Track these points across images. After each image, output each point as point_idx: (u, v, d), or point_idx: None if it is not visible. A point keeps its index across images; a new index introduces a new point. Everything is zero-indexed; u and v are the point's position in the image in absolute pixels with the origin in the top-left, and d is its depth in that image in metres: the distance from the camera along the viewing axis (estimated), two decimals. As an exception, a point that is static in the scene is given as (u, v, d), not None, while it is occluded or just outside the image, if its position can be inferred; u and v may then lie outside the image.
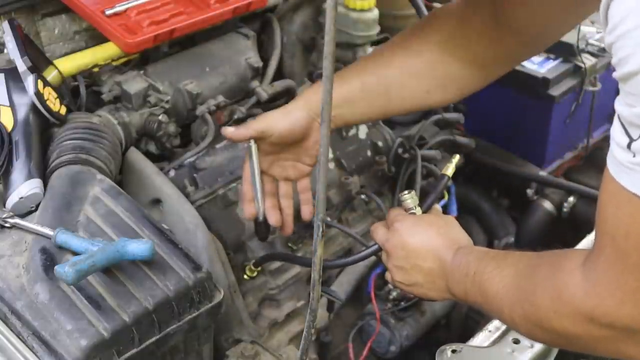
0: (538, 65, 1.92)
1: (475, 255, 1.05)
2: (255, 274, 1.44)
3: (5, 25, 1.28)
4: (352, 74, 1.26)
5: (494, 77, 1.27)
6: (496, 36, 1.18)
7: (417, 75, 1.24)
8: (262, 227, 1.28)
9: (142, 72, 1.49)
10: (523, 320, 0.95)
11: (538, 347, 1.13)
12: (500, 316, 1.01)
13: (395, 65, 1.24)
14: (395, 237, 1.13)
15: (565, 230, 1.88)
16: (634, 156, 0.72)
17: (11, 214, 1.14)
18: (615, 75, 0.72)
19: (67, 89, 1.43)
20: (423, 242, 1.11)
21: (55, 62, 1.39)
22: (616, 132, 0.74)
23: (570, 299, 0.85)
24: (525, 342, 1.13)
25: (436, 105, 1.29)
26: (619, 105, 0.73)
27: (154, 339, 1.04)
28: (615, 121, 0.74)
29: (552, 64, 1.92)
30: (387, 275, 1.18)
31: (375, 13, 1.83)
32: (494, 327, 1.16)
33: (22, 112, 1.23)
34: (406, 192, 1.18)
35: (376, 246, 1.18)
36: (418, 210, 1.16)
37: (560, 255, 0.91)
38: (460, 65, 1.22)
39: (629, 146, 0.72)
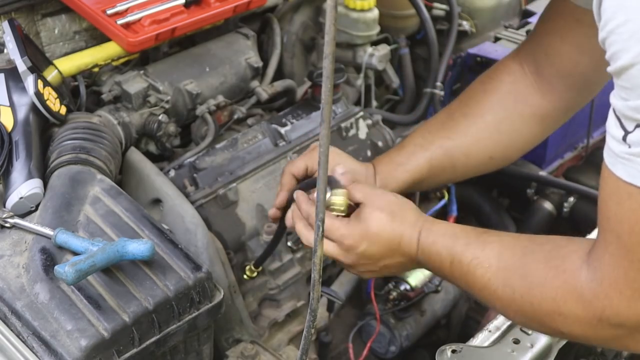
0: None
1: (443, 244, 1.03)
2: (255, 274, 1.44)
3: (5, 25, 1.28)
4: (418, 150, 1.26)
5: (552, 129, 1.29)
6: (548, 85, 1.20)
7: (481, 142, 1.25)
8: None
9: (142, 72, 1.49)
10: (519, 315, 0.94)
11: (538, 347, 1.13)
12: (492, 306, 1.00)
13: (459, 134, 1.25)
14: (355, 255, 1.09)
15: (565, 230, 1.88)
16: (630, 147, 0.73)
17: (11, 214, 1.14)
18: (609, 69, 0.73)
19: (67, 89, 1.43)
20: (385, 245, 1.07)
21: (55, 62, 1.39)
22: (611, 125, 0.75)
23: (578, 302, 0.84)
24: (525, 342, 1.13)
25: (498, 168, 1.31)
26: (614, 98, 0.74)
27: (154, 339, 1.04)
28: (611, 115, 0.75)
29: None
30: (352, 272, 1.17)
31: (375, 13, 1.83)
32: (494, 327, 1.16)
33: (22, 112, 1.23)
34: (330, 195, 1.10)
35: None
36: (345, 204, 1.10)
37: (555, 255, 0.90)
38: (522, 121, 1.23)
39: (624, 138, 0.73)
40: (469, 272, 0.99)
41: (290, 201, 1.21)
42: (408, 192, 1.61)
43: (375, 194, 1.12)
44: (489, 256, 0.97)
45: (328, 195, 1.09)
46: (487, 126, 1.24)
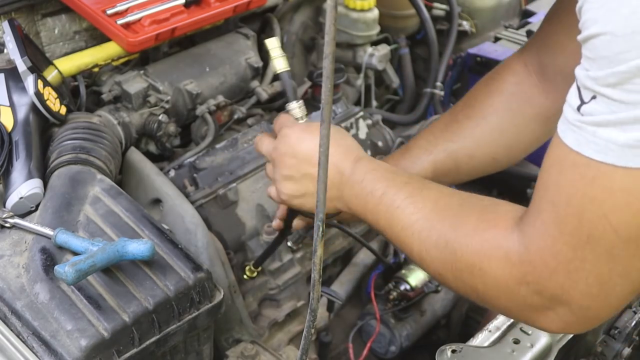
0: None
1: (382, 175, 1.02)
2: (255, 274, 1.44)
3: (5, 25, 1.28)
4: (422, 154, 1.26)
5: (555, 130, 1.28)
6: (552, 85, 1.19)
7: (485, 144, 1.25)
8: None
9: (142, 72, 1.49)
10: (437, 263, 0.92)
11: (538, 347, 1.13)
12: (406, 250, 0.98)
13: (463, 136, 1.25)
14: (284, 144, 1.09)
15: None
16: (582, 116, 0.72)
17: (11, 214, 1.14)
18: (578, 37, 0.72)
19: (67, 89, 1.43)
20: (316, 148, 1.08)
21: (55, 62, 1.39)
22: (571, 94, 0.74)
23: (501, 261, 0.82)
24: (525, 342, 1.13)
25: (502, 169, 1.31)
26: (578, 68, 0.73)
27: (154, 339, 1.04)
28: (573, 84, 0.74)
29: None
30: (271, 190, 1.16)
31: (375, 13, 1.83)
32: (494, 327, 1.16)
33: (22, 112, 1.23)
34: (294, 102, 1.17)
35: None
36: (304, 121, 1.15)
37: (492, 210, 0.88)
38: (525, 122, 1.23)
39: (578, 108, 0.72)
40: (399, 207, 0.97)
41: (292, 210, 1.22)
42: None
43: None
44: (424, 198, 0.96)
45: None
46: (491, 128, 1.24)
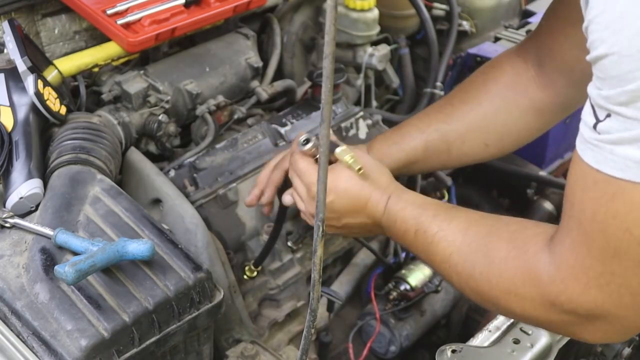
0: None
1: (411, 212, 1.05)
2: (255, 274, 1.44)
3: (5, 25, 1.28)
4: (415, 131, 1.28)
5: (549, 125, 1.29)
6: (548, 80, 1.20)
7: (478, 128, 1.26)
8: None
9: (142, 72, 1.49)
10: (476, 293, 0.95)
11: (538, 347, 1.13)
12: (449, 281, 1.01)
13: (456, 119, 1.26)
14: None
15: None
16: (599, 134, 0.73)
17: (11, 214, 1.14)
18: (587, 57, 0.74)
19: (67, 89, 1.43)
20: (350, 201, 1.10)
21: (55, 62, 1.39)
22: (585, 112, 0.76)
23: (534, 284, 0.84)
24: (525, 342, 1.13)
25: (493, 158, 1.32)
26: (590, 87, 0.75)
27: (154, 339, 1.04)
28: (587, 102, 0.76)
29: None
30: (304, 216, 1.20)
31: (375, 13, 1.83)
32: (494, 327, 1.16)
33: (22, 112, 1.23)
34: (304, 139, 1.14)
35: None
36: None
37: (519, 236, 0.90)
38: (519, 113, 1.24)
39: (595, 126, 0.74)
40: (432, 243, 1.00)
41: (286, 182, 1.25)
42: (406, 177, 1.62)
43: (354, 151, 1.15)
44: (454, 230, 0.99)
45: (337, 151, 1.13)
46: (484, 113, 1.25)
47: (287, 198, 1.25)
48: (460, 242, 0.97)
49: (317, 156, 1.11)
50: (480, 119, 1.25)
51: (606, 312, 0.80)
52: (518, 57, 1.25)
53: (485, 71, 1.30)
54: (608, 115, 0.72)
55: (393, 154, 1.29)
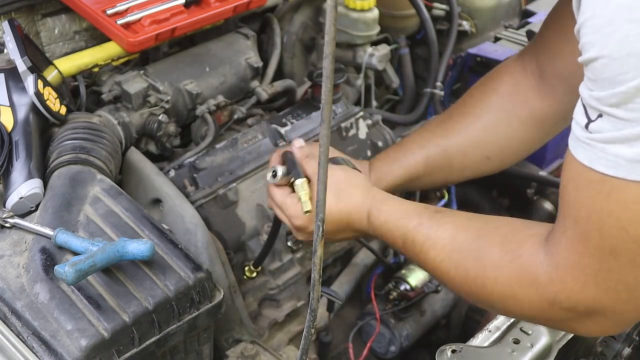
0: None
1: (394, 224, 1.05)
2: (254, 274, 1.44)
3: (5, 25, 1.28)
4: (415, 147, 1.28)
5: (551, 135, 1.30)
6: (549, 88, 1.21)
7: (478, 142, 1.26)
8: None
9: (142, 72, 1.49)
10: (472, 297, 0.96)
11: (538, 347, 1.13)
12: (445, 286, 1.03)
13: (457, 132, 1.26)
14: (307, 235, 1.15)
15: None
16: (591, 133, 0.75)
17: (11, 214, 1.14)
18: (579, 59, 0.75)
19: (67, 89, 1.43)
20: (334, 224, 1.11)
21: (55, 62, 1.39)
22: (577, 112, 0.77)
23: (532, 286, 0.85)
24: (525, 342, 1.13)
25: (495, 171, 1.32)
26: (582, 87, 0.76)
27: (154, 339, 1.04)
28: (579, 102, 0.77)
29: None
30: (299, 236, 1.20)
31: (375, 13, 1.83)
32: (494, 327, 1.16)
33: (22, 112, 1.23)
34: (272, 171, 1.15)
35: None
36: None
37: (512, 239, 0.91)
38: (520, 124, 1.24)
39: (586, 126, 0.75)
40: (421, 252, 1.01)
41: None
42: (407, 192, 1.62)
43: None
44: (442, 237, 0.99)
45: (287, 177, 1.14)
46: (485, 126, 1.25)
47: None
48: (450, 249, 0.97)
49: (291, 182, 1.13)
50: (480, 132, 1.25)
51: (604, 308, 0.81)
52: (517, 66, 1.24)
53: (484, 83, 1.29)
54: (600, 116, 0.73)
55: (394, 172, 1.29)
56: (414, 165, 1.27)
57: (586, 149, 0.76)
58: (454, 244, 0.97)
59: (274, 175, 1.15)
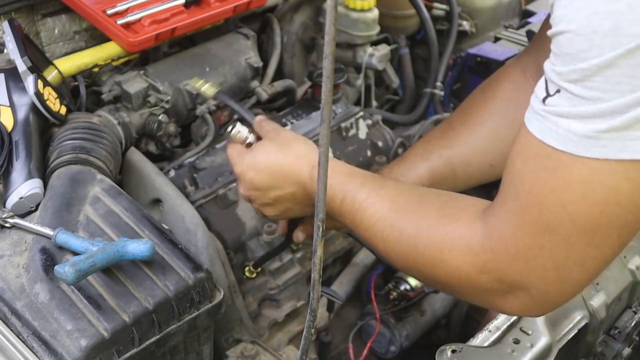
0: (538, 65, 1.92)
1: (338, 181, 1.04)
2: (254, 275, 1.44)
3: (5, 25, 1.28)
4: (419, 160, 1.27)
5: None
6: None
7: (481, 150, 1.25)
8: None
9: (142, 72, 1.49)
10: (400, 258, 0.95)
11: (538, 347, 1.13)
12: (374, 248, 1.02)
13: (459, 142, 1.26)
14: (245, 183, 1.15)
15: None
16: (547, 106, 0.75)
17: (11, 214, 1.14)
18: (547, 32, 0.75)
19: (67, 89, 1.43)
20: (271, 174, 1.11)
21: (55, 62, 1.39)
22: (539, 86, 0.77)
23: (463, 251, 0.85)
24: (525, 342, 1.13)
25: (499, 177, 1.32)
26: (546, 62, 0.76)
27: (154, 339, 1.04)
28: (542, 76, 0.77)
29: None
30: (258, 213, 1.21)
31: (375, 13, 1.83)
32: (494, 327, 1.16)
33: (22, 112, 1.23)
34: (231, 127, 1.18)
35: None
36: (252, 137, 1.17)
37: (452, 205, 0.91)
38: None
39: (544, 100, 0.75)
40: (358, 210, 1.00)
41: (295, 219, 1.26)
42: None
43: (276, 129, 1.16)
44: (382, 197, 0.99)
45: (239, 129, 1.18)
46: (487, 134, 1.25)
47: (298, 235, 1.28)
48: (388, 208, 0.96)
49: (247, 141, 1.16)
50: (483, 140, 1.25)
51: (529, 285, 0.81)
52: (516, 71, 1.24)
53: (484, 89, 1.29)
54: (558, 91, 0.73)
55: None
56: (418, 179, 1.26)
57: (540, 120, 0.75)
58: (392, 205, 0.96)
59: (232, 129, 1.18)
